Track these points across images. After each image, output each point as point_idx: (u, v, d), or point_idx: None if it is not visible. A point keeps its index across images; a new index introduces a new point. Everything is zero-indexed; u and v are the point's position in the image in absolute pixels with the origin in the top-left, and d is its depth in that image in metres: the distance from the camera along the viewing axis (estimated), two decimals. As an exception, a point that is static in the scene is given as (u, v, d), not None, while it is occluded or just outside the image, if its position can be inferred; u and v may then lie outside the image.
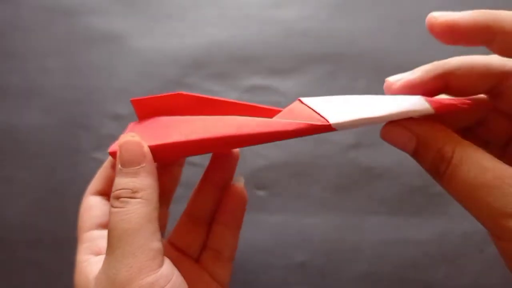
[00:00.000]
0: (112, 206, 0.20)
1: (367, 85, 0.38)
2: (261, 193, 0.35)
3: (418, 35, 0.39)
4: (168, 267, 0.20)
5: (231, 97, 0.38)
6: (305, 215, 0.35)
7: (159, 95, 0.23)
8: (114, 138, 0.22)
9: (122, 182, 0.20)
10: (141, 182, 0.20)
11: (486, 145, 0.21)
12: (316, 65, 0.39)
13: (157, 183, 0.21)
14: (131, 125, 0.24)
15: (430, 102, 0.18)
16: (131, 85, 0.39)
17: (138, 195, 0.20)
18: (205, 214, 0.26)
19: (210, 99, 0.22)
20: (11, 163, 0.38)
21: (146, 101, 0.23)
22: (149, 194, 0.20)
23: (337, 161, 0.36)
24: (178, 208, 0.27)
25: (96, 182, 0.25)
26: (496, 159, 0.17)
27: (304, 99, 0.20)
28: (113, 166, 0.25)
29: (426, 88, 0.19)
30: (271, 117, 0.21)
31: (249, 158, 0.36)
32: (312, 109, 0.19)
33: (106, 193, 0.25)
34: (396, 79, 0.20)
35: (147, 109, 0.24)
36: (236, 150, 0.26)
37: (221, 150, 0.26)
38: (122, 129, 0.24)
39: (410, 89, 0.19)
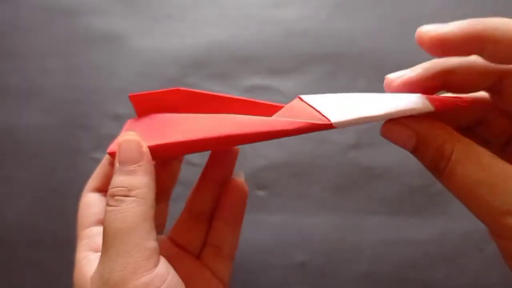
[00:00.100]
0: (107, 204, 0.20)
1: (367, 85, 0.38)
2: (261, 193, 0.35)
3: (418, 35, 0.40)
4: (163, 266, 0.19)
5: (231, 97, 0.39)
6: (305, 215, 0.35)
7: (157, 91, 0.23)
8: (114, 138, 0.22)
9: (118, 180, 0.20)
10: (138, 181, 0.20)
11: (485, 144, 0.21)
12: (316, 65, 0.39)
13: (154, 182, 0.21)
14: (129, 122, 0.24)
15: (430, 100, 0.18)
16: (131, 85, 0.39)
17: (133, 193, 0.20)
18: (205, 210, 0.26)
19: (209, 95, 0.22)
20: (11, 163, 0.38)
21: (144, 97, 0.23)
22: (145, 193, 0.20)
23: (337, 161, 0.36)
24: (177, 207, 0.27)
25: (94, 179, 0.25)
26: (496, 157, 0.17)
27: (304, 97, 0.20)
28: (112, 164, 0.25)
29: (425, 85, 0.19)
30: (271, 113, 0.21)
31: (249, 158, 0.36)
32: (313, 107, 0.19)
33: (104, 190, 0.25)
34: (396, 76, 0.20)
35: (146, 105, 0.24)
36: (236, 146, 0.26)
37: (222, 148, 0.26)
38: (122, 129, 0.24)
39: (410, 87, 0.19)
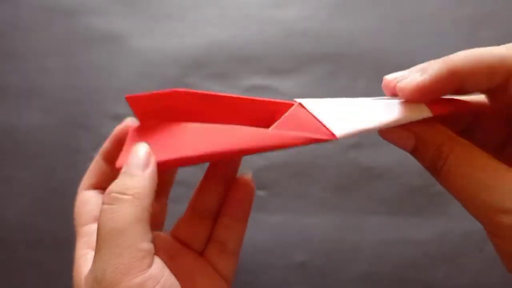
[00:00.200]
0: (103, 202, 0.20)
1: (367, 85, 0.38)
2: (261, 193, 0.35)
3: (418, 35, 0.40)
4: (157, 267, 0.19)
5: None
6: (305, 215, 0.35)
7: (154, 92, 0.22)
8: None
9: (118, 180, 0.20)
10: (137, 182, 0.20)
11: (482, 146, 0.21)
12: (316, 65, 0.39)
13: (153, 190, 0.21)
14: (133, 131, 0.23)
15: (428, 106, 0.19)
16: (131, 85, 0.39)
17: (130, 192, 0.20)
18: (210, 208, 0.26)
19: (207, 95, 0.22)
20: (11, 163, 0.38)
21: (141, 98, 0.23)
22: (141, 194, 0.20)
23: (337, 161, 0.36)
24: (178, 208, 0.27)
25: (89, 176, 0.25)
26: (491, 157, 0.18)
27: (305, 104, 0.20)
28: (105, 159, 0.25)
29: (437, 89, 0.19)
30: (271, 109, 0.21)
31: (249, 158, 0.36)
32: (316, 118, 0.20)
33: (100, 186, 0.25)
34: (394, 77, 0.20)
35: (143, 106, 0.23)
36: None
37: (228, 159, 0.26)
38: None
39: (422, 94, 0.19)
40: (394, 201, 0.35)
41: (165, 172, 0.26)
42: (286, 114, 0.21)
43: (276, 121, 0.21)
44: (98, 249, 0.19)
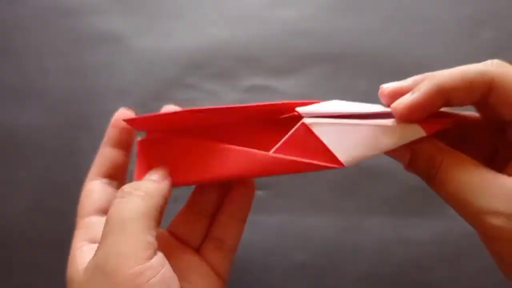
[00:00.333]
0: (115, 197, 0.21)
1: (367, 85, 0.38)
2: (261, 193, 0.35)
3: (418, 35, 0.39)
4: (159, 259, 0.20)
5: (231, 97, 0.39)
6: (305, 215, 0.35)
7: (152, 115, 0.23)
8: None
9: (133, 183, 0.22)
10: (151, 185, 0.22)
11: (473, 157, 0.22)
12: (316, 65, 0.39)
13: (165, 195, 0.22)
14: (141, 143, 0.24)
15: (422, 126, 0.21)
16: (131, 85, 0.39)
17: (142, 189, 0.21)
18: (208, 206, 0.26)
19: (204, 110, 0.22)
20: (11, 163, 0.38)
21: (140, 120, 0.23)
22: (152, 194, 0.21)
23: (337, 161, 0.36)
24: (178, 208, 0.27)
25: (96, 167, 0.26)
26: (479, 164, 0.19)
27: (311, 126, 0.21)
28: (111, 145, 0.26)
29: (429, 106, 0.20)
30: (271, 109, 0.22)
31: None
32: (323, 144, 0.21)
33: (108, 174, 0.25)
34: (390, 86, 0.22)
35: (145, 126, 0.24)
36: None
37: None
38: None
39: (415, 112, 0.20)
40: (394, 201, 0.35)
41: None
42: (290, 135, 0.21)
43: (282, 118, 0.22)
44: (103, 237, 0.20)
